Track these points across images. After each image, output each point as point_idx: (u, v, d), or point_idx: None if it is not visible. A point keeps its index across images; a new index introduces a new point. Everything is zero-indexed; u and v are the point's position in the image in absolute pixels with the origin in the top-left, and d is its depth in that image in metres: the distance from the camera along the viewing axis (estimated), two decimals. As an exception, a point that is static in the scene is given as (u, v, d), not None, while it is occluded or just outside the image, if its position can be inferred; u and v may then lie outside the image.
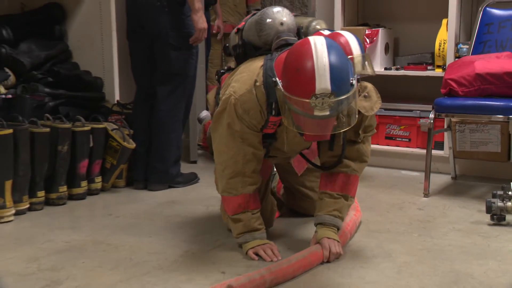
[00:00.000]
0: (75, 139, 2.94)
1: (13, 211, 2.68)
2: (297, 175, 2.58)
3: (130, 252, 2.24)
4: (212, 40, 4.31)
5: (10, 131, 2.66)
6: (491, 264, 2.09)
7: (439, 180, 3.31)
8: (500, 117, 2.83)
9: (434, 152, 3.22)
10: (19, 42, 3.35)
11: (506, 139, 3.21)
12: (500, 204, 2.47)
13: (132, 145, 3.12)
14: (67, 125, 2.92)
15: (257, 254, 2.15)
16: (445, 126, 3.30)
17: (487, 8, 3.30)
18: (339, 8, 3.69)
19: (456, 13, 3.33)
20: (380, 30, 3.60)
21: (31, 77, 3.25)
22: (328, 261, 2.10)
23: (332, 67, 1.80)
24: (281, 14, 2.21)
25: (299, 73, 1.82)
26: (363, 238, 2.37)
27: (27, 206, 2.77)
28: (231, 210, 2.21)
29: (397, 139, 3.63)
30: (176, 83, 3.15)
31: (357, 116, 1.92)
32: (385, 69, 3.62)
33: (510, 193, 2.48)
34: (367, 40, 3.54)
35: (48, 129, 2.83)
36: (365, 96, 2.12)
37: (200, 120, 3.83)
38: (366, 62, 2.73)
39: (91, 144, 3.03)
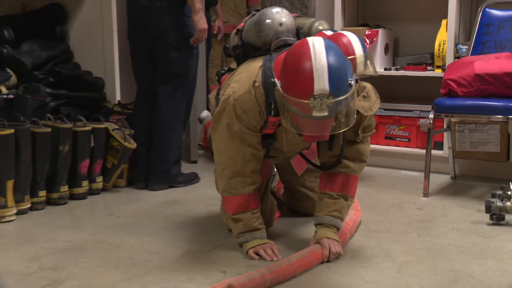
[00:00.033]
0: (76, 139, 2.95)
1: (15, 211, 2.69)
2: (297, 175, 2.58)
3: (131, 252, 2.24)
4: (213, 40, 4.32)
5: (12, 131, 2.66)
6: (490, 263, 2.10)
7: (438, 180, 3.32)
8: (499, 117, 2.83)
9: (433, 152, 3.22)
10: (20, 43, 3.36)
11: (505, 139, 3.21)
12: (499, 204, 2.48)
13: (133, 145, 3.13)
14: (69, 125, 2.92)
15: (257, 254, 2.15)
16: (445, 126, 3.31)
17: (487, 9, 3.30)
18: (339, 8, 3.69)
19: (455, 13, 3.33)
20: (380, 30, 3.61)
21: (32, 78, 3.25)
22: (328, 261, 2.11)
23: (330, 68, 1.80)
24: (280, 15, 2.22)
25: (298, 74, 1.82)
26: (363, 238, 2.38)
27: (29, 205, 2.78)
28: (231, 210, 2.22)
29: (397, 139, 3.64)
30: (176, 84, 3.16)
31: (355, 116, 1.91)
32: (385, 69, 3.63)
33: (509, 193, 2.49)
34: (367, 40, 3.54)
35: (49, 129, 2.83)
36: (364, 96, 2.12)
37: (200, 120, 3.84)
38: (368, 62, 2.74)
39: (92, 144, 3.03)
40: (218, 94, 2.33)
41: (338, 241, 2.16)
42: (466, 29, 3.49)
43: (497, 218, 2.50)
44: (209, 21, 3.81)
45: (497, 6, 3.32)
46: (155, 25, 3.06)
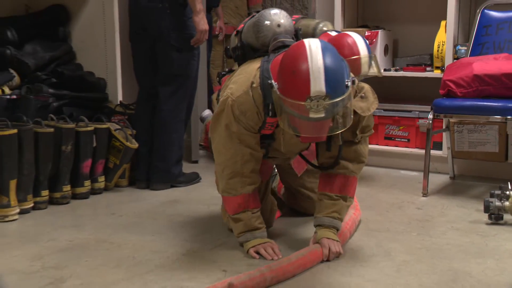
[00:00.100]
0: (79, 139, 2.96)
1: (18, 210, 2.70)
2: (297, 176, 2.59)
3: (132, 251, 2.25)
4: (214, 41, 4.32)
5: (15, 131, 2.67)
6: (489, 262, 2.10)
7: (437, 180, 3.33)
8: (498, 117, 2.84)
9: (432, 152, 3.23)
10: (23, 44, 3.37)
11: (503, 139, 3.22)
12: (498, 203, 2.49)
13: (134, 145, 3.14)
14: (71, 125, 2.93)
15: (258, 253, 2.16)
16: (444, 127, 3.31)
17: (485, 10, 3.31)
18: (339, 10, 3.70)
19: (454, 15, 3.34)
20: (380, 31, 3.61)
21: (35, 78, 3.27)
22: (328, 260, 2.11)
23: (326, 70, 1.80)
24: (278, 16, 2.22)
25: (294, 75, 1.82)
26: (363, 237, 2.38)
27: (31, 205, 2.79)
28: (231, 210, 2.23)
29: (396, 139, 3.65)
30: (178, 84, 3.17)
31: (352, 117, 1.91)
32: (385, 70, 3.63)
33: (507, 192, 2.50)
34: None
35: (52, 129, 2.84)
36: (361, 97, 2.12)
37: (202, 119, 3.83)
38: (373, 63, 2.74)
39: (95, 144, 3.04)
40: (218, 95, 2.34)
41: (337, 241, 2.17)
42: (465, 30, 3.50)
43: (495, 217, 2.51)
44: (210, 23, 3.82)
45: (495, 7, 3.33)
46: (156, 26, 3.07)
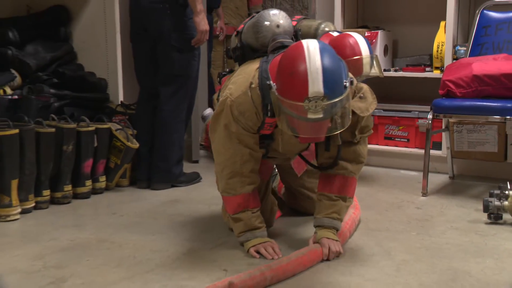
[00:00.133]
0: (80, 139, 2.97)
1: (19, 210, 2.71)
2: (297, 176, 2.59)
3: (133, 250, 2.25)
4: (214, 42, 4.33)
5: (16, 131, 2.68)
6: (488, 262, 2.11)
7: (437, 179, 3.33)
8: (497, 117, 2.84)
9: (432, 152, 3.24)
10: (25, 44, 3.38)
11: (503, 139, 3.23)
12: (497, 203, 2.49)
13: (135, 145, 3.15)
14: (72, 125, 2.94)
15: (258, 252, 2.16)
16: (443, 127, 3.32)
17: (485, 11, 3.31)
18: (339, 10, 3.71)
19: (454, 15, 3.34)
20: (379, 32, 3.62)
21: (36, 78, 3.27)
22: (328, 259, 2.12)
23: (324, 70, 1.80)
24: (277, 17, 2.22)
25: (293, 76, 1.82)
26: (363, 237, 2.39)
27: (33, 204, 2.79)
28: (231, 210, 2.23)
29: (396, 139, 3.65)
30: (178, 84, 3.17)
31: (350, 117, 1.91)
32: (384, 70, 3.63)
33: (506, 192, 2.50)
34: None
35: (53, 129, 2.85)
36: (360, 97, 2.12)
37: (203, 118, 3.83)
38: (375, 63, 2.75)
39: (96, 144, 3.05)
40: (219, 95, 2.35)
41: (337, 240, 2.18)
42: (464, 31, 3.50)
43: (494, 217, 2.52)
44: (211, 23, 3.83)
45: (495, 8, 3.33)
46: (157, 26, 3.08)
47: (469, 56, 3.25)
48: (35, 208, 2.81)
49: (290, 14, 2.60)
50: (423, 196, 3.01)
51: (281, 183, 2.77)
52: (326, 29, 2.57)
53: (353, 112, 2.03)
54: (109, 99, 3.52)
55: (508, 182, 2.55)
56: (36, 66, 3.31)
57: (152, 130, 3.22)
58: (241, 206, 2.20)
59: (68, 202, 2.94)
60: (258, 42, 2.23)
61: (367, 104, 2.13)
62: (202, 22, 3.03)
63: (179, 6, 3.06)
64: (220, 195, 2.30)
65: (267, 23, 2.21)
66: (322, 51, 1.84)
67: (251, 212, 2.21)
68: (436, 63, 3.43)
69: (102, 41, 3.52)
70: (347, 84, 1.86)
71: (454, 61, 3.31)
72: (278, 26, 2.20)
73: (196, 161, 3.87)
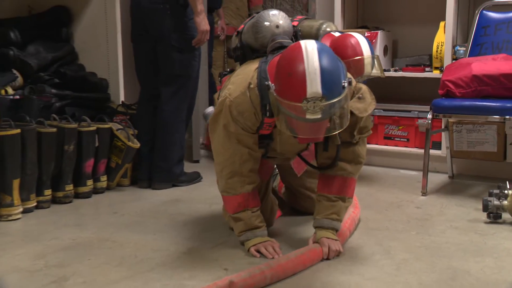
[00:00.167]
0: (81, 139, 2.98)
1: (21, 209, 2.71)
2: (298, 176, 2.59)
3: (134, 249, 2.26)
4: (215, 42, 4.34)
5: (18, 131, 2.69)
6: (487, 261, 2.11)
7: (436, 179, 3.34)
8: (496, 117, 2.84)
9: (432, 151, 3.25)
10: (26, 44, 3.39)
11: (502, 139, 3.23)
12: (496, 202, 2.50)
13: (136, 144, 3.16)
14: (73, 125, 2.94)
15: (259, 252, 2.16)
16: (443, 127, 3.33)
17: (484, 11, 3.31)
18: (339, 11, 3.71)
19: (453, 16, 3.34)
20: (379, 32, 3.62)
21: (38, 79, 3.28)
22: (328, 258, 2.12)
23: (323, 71, 1.80)
24: (277, 17, 2.22)
25: (291, 77, 1.82)
26: (363, 236, 2.39)
27: (34, 204, 2.80)
28: (231, 209, 2.24)
29: (396, 139, 3.66)
30: (179, 85, 3.18)
31: (349, 117, 1.91)
32: (384, 70, 3.63)
33: (506, 191, 2.50)
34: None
35: (54, 129, 2.86)
36: (359, 98, 2.12)
37: (205, 116, 3.82)
38: (376, 63, 2.75)
39: (97, 144, 3.06)
40: (219, 95, 2.36)
41: (337, 240, 2.18)
42: (464, 31, 3.51)
43: (494, 216, 2.52)
44: (211, 24, 3.84)
45: (494, 8, 3.33)
46: (158, 27, 3.08)
47: (468, 56, 3.25)
48: (36, 207, 2.82)
49: (291, 15, 2.60)
50: (422, 195, 3.02)
51: (281, 182, 2.77)
52: (328, 29, 2.58)
53: (352, 113, 2.03)
54: (110, 99, 3.53)
55: (507, 182, 2.55)
56: (37, 66, 3.32)
57: (153, 130, 3.23)
58: (241, 205, 2.20)
59: (70, 202, 2.95)
60: (258, 42, 2.24)
61: (365, 105, 2.12)
62: (202, 22, 3.03)
63: (179, 6, 3.07)
64: (220, 195, 2.30)
65: (266, 23, 2.22)
66: (320, 51, 1.83)
67: (251, 212, 2.21)
68: (436, 63, 3.44)
69: (103, 42, 3.53)
70: (346, 84, 1.86)
71: (453, 61, 3.31)
72: (277, 26, 2.21)
73: (197, 161, 3.87)
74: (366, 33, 3.59)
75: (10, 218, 2.67)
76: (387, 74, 3.57)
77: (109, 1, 3.48)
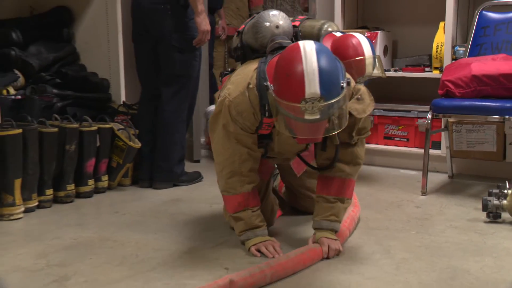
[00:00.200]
0: (83, 138, 2.98)
1: (22, 209, 2.72)
2: (297, 176, 2.59)
3: (136, 249, 2.27)
4: (216, 42, 4.35)
5: (20, 131, 2.69)
6: (487, 260, 2.12)
7: (436, 178, 3.34)
8: (495, 117, 2.85)
9: (431, 151, 3.25)
10: (28, 45, 3.40)
11: (501, 139, 3.24)
12: (496, 202, 2.50)
13: (137, 144, 3.16)
14: (75, 125, 2.95)
15: (259, 251, 2.17)
16: (442, 126, 3.33)
17: (483, 12, 3.32)
18: (339, 11, 3.71)
19: (453, 16, 3.35)
20: (379, 32, 3.62)
21: (39, 79, 3.29)
22: (328, 258, 2.13)
23: (321, 71, 1.80)
24: (277, 18, 2.23)
25: (289, 78, 1.82)
26: (363, 235, 2.40)
27: (36, 204, 2.81)
28: (231, 209, 2.24)
29: (396, 139, 3.66)
30: (180, 85, 3.19)
31: (348, 118, 1.91)
32: (384, 70, 3.65)
33: (505, 191, 2.51)
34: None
35: (56, 129, 2.86)
36: (358, 99, 2.12)
37: (207, 115, 3.83)
38: (377, 64, 2.76)
39: (98, 144, 3.06)
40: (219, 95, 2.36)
41: (336, 239, 2.19)
42: (463, 31, 3.51)
43: (493, 216, 2.53)
44: (212, 24, 3.85)
45: (493, 8, 3.33)
46: (158, 27, 3.09)
47: (468, 56, 3.26)
48: (38, 207, 2.82)
49: (291, 15, 2.61)
50: (422, 195, 3.02)
51: (281, 182, 2.77)
52: (330, 29, 2.58)
53: (350, 114, 2.03)
54: (111, 99, 3.54)
55: (506, 181, 2.56)
56: (39, 67, 3.33)
57: (154, 130, 3.24)
58: (241, 205, 2.21)
59: (71, 201, 2.96)
60: (258, 43, 2.24)
61: (364, 106, 2.12)
62: (203, 22, 3.03)
63: (180, 6, 3.07)
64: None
65: (266, 23, 2.22)
66: (318, 52, 1.84)
67: (251, 211, 2.22)
68: (436, 63, 3.44)
69: (104, 42, 3.54)
70: (344, 85, 1.86)
71: (453, 61, 3.31)
72: (277, 26, 2.21)
73: (198, 161, 3.88)
74: (366, 33, 3.59)
75: (12, 217, 2.68)
76: (387, 74, 3.57)
77: (110, 2, 3.49)
